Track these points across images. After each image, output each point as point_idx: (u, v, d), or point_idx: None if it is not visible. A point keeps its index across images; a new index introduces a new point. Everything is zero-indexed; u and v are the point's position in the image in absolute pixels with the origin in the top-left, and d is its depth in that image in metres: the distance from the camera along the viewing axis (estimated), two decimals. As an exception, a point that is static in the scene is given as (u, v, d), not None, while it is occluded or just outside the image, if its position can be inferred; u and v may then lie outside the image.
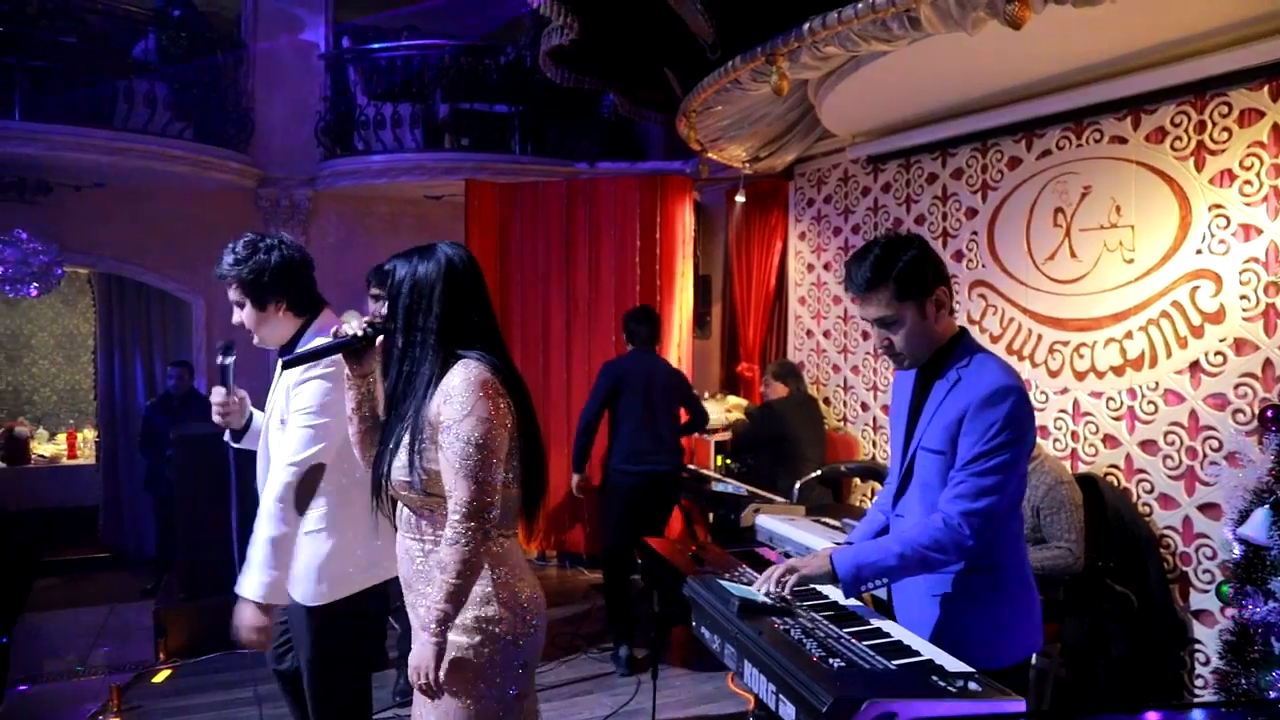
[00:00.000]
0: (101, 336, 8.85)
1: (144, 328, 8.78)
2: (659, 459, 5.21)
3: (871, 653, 2.06)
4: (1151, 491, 4.14)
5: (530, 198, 7.19)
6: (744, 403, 6.94)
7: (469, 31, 8.37)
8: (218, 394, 2.96)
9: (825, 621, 2.27)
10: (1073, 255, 4.51)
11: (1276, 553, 3.32)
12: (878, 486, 5.86)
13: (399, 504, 2.30)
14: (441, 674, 2.10)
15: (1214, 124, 3.88)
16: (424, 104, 8.08)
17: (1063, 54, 4.07)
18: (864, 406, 6.15)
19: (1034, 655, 2.46)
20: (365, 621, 2.99)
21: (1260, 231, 3.71)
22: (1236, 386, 3.78)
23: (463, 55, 8.07)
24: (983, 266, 5.07)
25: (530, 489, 2.32)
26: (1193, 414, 3.96)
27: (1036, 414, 4.41)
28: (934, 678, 1.92)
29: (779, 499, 5.14)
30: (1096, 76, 4.24)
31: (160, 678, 5.03)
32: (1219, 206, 3.84)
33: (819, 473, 5.34)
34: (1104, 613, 3.94)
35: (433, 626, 2.08)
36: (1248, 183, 3.74)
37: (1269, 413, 3.50)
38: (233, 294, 2.85)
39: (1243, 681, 3.33)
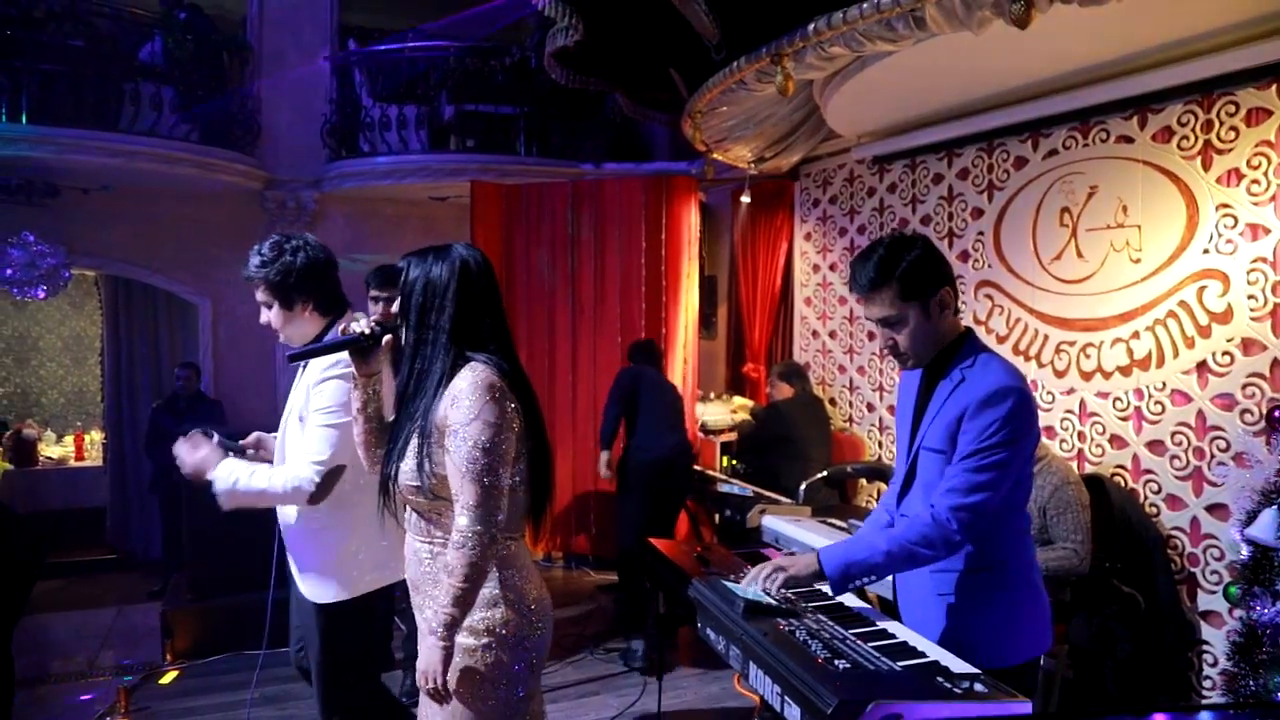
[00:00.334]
0: (108, 339, 8.86)
1: (151, 330, 8.79)
2: (675, 441, 5.69)
3: (877, 654, 2.06)
4: (1159, 492, 4.13)
5: (535, 199, 7.20)
6: (750, 403, 6.94)
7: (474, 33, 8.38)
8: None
9: (830, 623, 2.27)
10: (1079, 255, 4.50)
11: (1285, 553, 3.31)
12: (884, 487, 5.83)
13: (407, 506, 2.30)
14: (449, 678, 2.11)
15: (1221, 123, 3.86)
16: (429, 105, 8.09)
17: (1069, 53, 4.06)
18: (870, 407, 6.13)
19: (1041, 656, 2.45)
20: (373, 622, 3.00)
21: (1268, 231, 3.69)
22: (1244, 386, 3.77)
23: (468, 57, 8.08)
24: (989, 267, 5.06)
25: (537, 492, 2.31)
26: (1200, 414, 3.95)
27: (1042, 414, 4.41)
28: (940, 679, 1.91)
29: (785, 500, 5.14)
30: (1102, 76, 4.23)
31: (167, 679, 5.05)
32: (1226, 206, 3.83)
33: (825, 473, 5.33)
34: (1111, 614, 3.93)
35: (440, 631, 2.07)
36: (1255, 182, 3.73)
37: (1277, 413, 3.49)
38: (260, 295, 2.91)
39: (1251, 683, 3.31)
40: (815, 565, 2.29)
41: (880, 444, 6.03)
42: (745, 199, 6.91)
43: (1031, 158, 4.78)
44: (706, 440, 6.70)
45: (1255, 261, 3.72)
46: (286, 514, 2.95)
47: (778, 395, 6.00)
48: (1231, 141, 3.82)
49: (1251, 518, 3.40)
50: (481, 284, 2.25)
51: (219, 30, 7.81)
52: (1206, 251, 3.90)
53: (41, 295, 7.38)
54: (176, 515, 6.64)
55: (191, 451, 2.82)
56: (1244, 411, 3.76)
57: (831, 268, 6.50)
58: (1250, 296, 3.74)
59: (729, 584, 2.47)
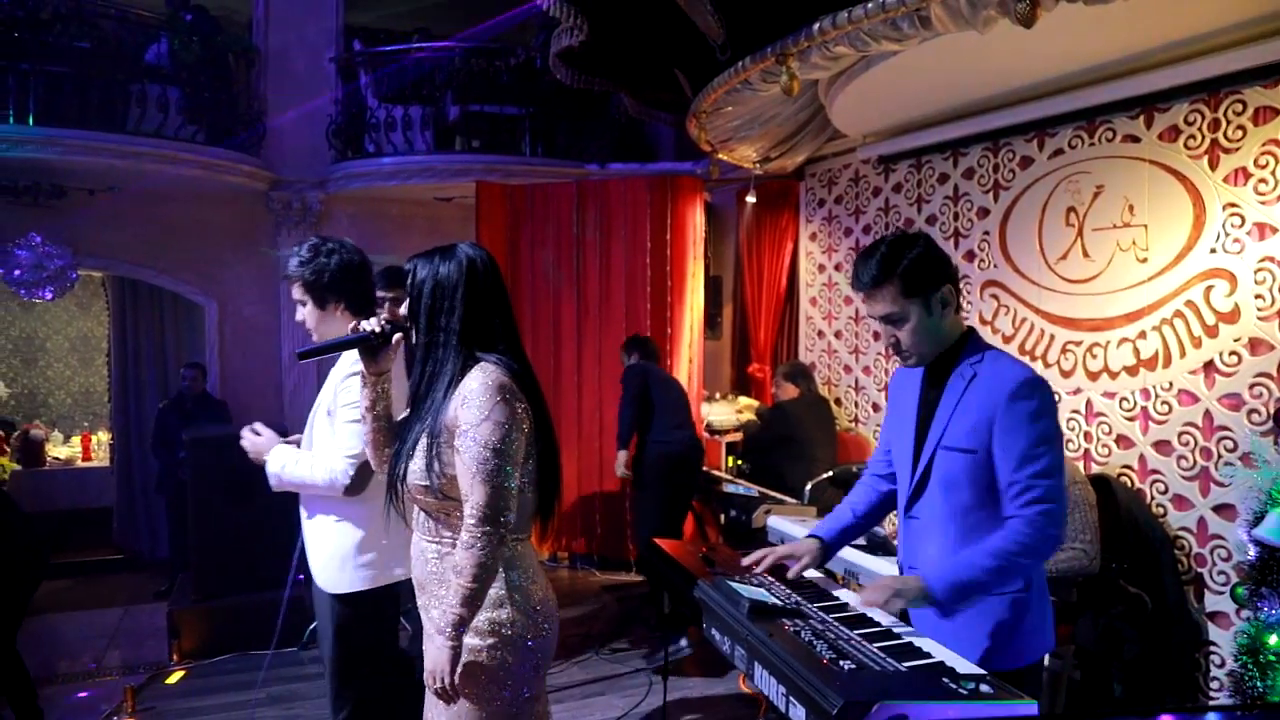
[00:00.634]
0: (115, 339, 8.89)
1: (157, 330, 8.82)
2: (687, 436, 5.76)
3: (882, 654, 2.05)
4: (1165, 492, 4.12)
5: (541, 199, 7.20)
6: (755, 404, 6.94)
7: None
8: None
9: (836, 623, 2.26)
10: (1085, 255, 4.49)
11: (1292, 554, 3.30)
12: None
13: (414, 506, 2.30)
14: (457, 678, 2.11)
15: (1228, 122, 3.85)
16: (434, 106, 8.10)
17: (1074, 52, 4.05)
18: (875, 407, 6.13)
19: (1046, 656, 2.45)
20: (386, 616, 3.04)
21: (1275, 230, 3.68)
22: (1251, 386, 3.75)
23: (473, 57, 8.09)
24: (995, 266, 5.05)
25: (545, 493, 2.31)
26: (1207, 414, 3.94)
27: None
28: (945, 680, 1.91)
29: (790, 500, 5.13)
30: (1108, 75, 4.22)
31: (174, 679, 5.06)
32: (1234, 205, 3.82)
33: (830, 474, 5.32)
34: (1118, 614, 3.92)
35: (449, 631, 2.07)
36: (1263, 181, 3.72)
37: (1284, 413, 3.48)
38: (296, 293, 3.04)
39: (1258, 684, 3.30)
40: (924, 590, 2.24)
41: (886, 444, 6.02)
42: (750, 199, 6.91)
43: (1037, 157, 4.77)
44: (712, 440, 6.70)
45: (1263, 261, 3.71)
46: (306, 507, 3.04)
47: (783, 395, 6.00)
48: (1239, 140, 3.81)
49: (1259, 518, 3.39)
50: (489, 283, 2.25)
51: (224, 31, 7.83)
52: (1214, 251, 3.89)
53: (49, 296, 7.40)
54: (183, 515, 6.65)
55: (253, 438, 3.04)
56: (1251, 411, 3.75)
57: (837, 268, 6.50)
58: (1258, 296, 3.73)
59: (734, 584, 2.46)
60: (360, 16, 9.25)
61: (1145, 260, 4.18)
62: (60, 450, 10.04)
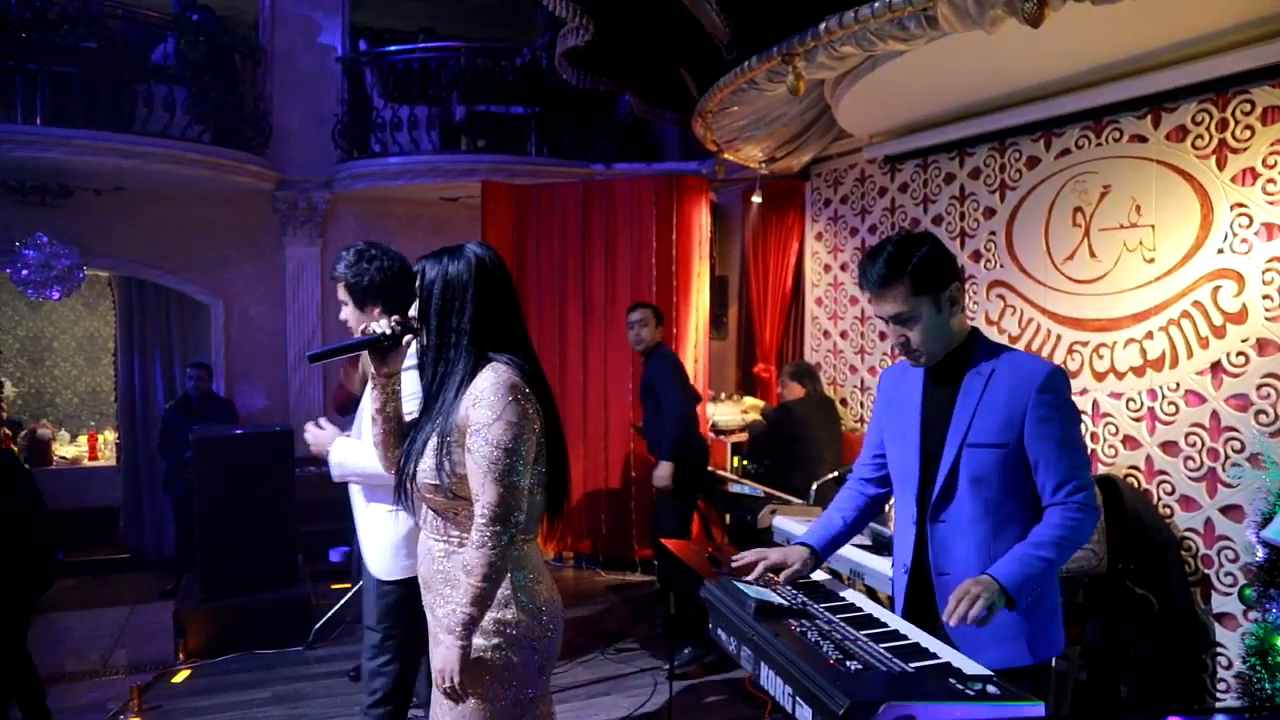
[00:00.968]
0: (122, 339, 8.91)
1: (163, 330, 8.84)
2: (701, 438, 5.75)
3: (888, 655, 2.05)
4: (1172, 493, 4.11)
5: (546, 199, 7.20)
6: (761, 404, 6.93)
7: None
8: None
9: (842, 624, 2.26)
10: (1092, 255, 4.47)
11: (1300, 555, 3.28)
12: (895, 488, 5.83)
13: (422, 505, 2.30)
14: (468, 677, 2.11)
15: (1236, 122, 3.83)
16: (440, 106, 8.12)
17: (1081, 52, 4.04)
18: (881, 407, 6.11)
19: (1054, 659, 2.44)
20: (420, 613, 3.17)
21: (1283, 230, 3.67)
22: (1259, 387, 3.74)
23: (479, 57, 8.10)
24: (1001, 267, 5.04)
25: (554, 493, 2.31)
26: (1214, 415, 3.92)
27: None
28: (952, 680, 1.90)
29: (796, 500, 5.12)
30: (1115, 75, 4.21)
31: (180, 678, 5.07)
32: (1241, 205, 3.80)
33: (836, 474, 5.31)
34: (1124, 616, 3.91)
35: (459, 630, 2.07)
36: (1271, 181, 3.70)
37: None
38: (340, 293, 3.31)
39: (1266, 686, 3.29)
40: (998, 589, 2.17)
41: (892, 444, 6.00)
42: (756, 199, 6.90)
43: (1044, 157, 4.76)
44: (717, 441, 6.69)
45: (1271, 261, 3.69)
46: (358, 498, 3.19)
47: (789, 395, 5.99)
48: (1246, 140, 3.79)
49: (1266, 519, 3.38)
50: (499, 282, 2.26)
51: (231, 32, 7.85)
52: (1221, 251, 3.88)
53: (56, 296, 7.42)
54: (189, 515, 6.66)
55: (316, 431, 3.22)
56: (1259, 412, 3.73)
57: (843, 268, 6.49)
58: (1266, 296, 3.71)
59: (740, 585, 2.46)
60: (366, 16, 9.27)
61: (1152, 260, 4.17)
62: (67, 450, 10.07)
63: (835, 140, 6.19)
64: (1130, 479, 4.27)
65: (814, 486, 5.19)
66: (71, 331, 10.75)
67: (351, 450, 3.09)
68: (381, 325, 2.27)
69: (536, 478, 2.23)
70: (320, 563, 7.16)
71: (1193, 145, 4.00)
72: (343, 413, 5.00)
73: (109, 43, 7.00)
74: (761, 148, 5.94)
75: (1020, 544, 2.26)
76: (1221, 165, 3.88)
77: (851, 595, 2.55)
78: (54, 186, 7.48)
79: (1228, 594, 3.86)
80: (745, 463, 6.58)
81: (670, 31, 4.85)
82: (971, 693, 1.84)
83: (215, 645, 5.32)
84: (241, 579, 5.50)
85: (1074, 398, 2.36)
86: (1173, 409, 4.10)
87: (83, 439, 10.18)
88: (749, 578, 2.61)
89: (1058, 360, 4.66)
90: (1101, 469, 4.39)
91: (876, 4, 3.35)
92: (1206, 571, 3.95)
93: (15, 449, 8.53)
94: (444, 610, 2.21)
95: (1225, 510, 3.88)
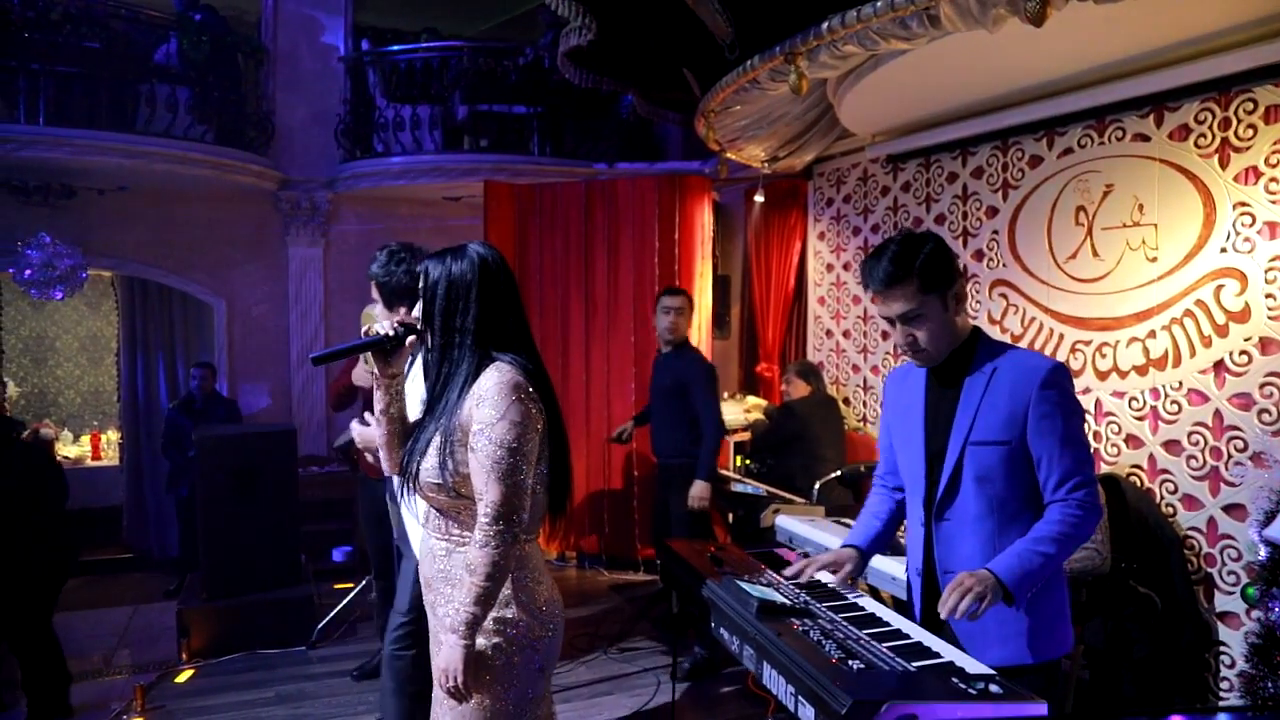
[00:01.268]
0: (125, 339, 8.93)
1: (166, 330, 8.85)
2: None
3: (891, 654, 2.05)
4: (1175, 492, 4.10)
5: (549, 198, 7.21)
6: (763, 403, 6.93)
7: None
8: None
9: (844, 623, 2.26)
10: (1095, 254, 4.47)
11: (1303, 554, 3.28)
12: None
13: (425, 504, 2.30)
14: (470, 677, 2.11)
15: (1239, 121, 3.83)
16: (443, 106, 8.12)
17: (1084, 51, 4.04)
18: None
19: (1062, 658, 2.43)
20: None
21: (1286, 229, 3.67)
22: (1262, 386, 3.73)
23: (481, 57, 8.11)
24: (1003, 266, 5.04)
25: (557, 493, 2.32)
26: (1217, 414, 3.92)
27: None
28: (954, 680, 1.91)
29: (799, 499, 5.12)
30: (1118, 74, 4.20)
31: (183, 678, 5.07)
32: (1244, 204, 3.80)
33: (839, 473, 5.31)
34: (1127, 615, 3.91)
35: (462, 630, 2.07)
36: (1273, 180, 3.70)
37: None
38: (373, 292, 3.52)
39: (1269, 685, 3.29)
40: (995, 582, 2.16)
41: (894, 444, 6.00)
42: (759, 198, 6.90)
43: (1047, 156, 4.75)
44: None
45: (1274, 260, 3.69)
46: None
47: (794, 392, 5.99)
48: (1250, 139, 3.79)
49: (1269, 518, 3.37)
50: (502, 282, 2.26)
51: (234, 31, 7.86)
52: (1224, 250, 3.87)
53: (59, 296, 7.44)
54: (192, 515, 6.68)
55: (362, 429, 3.28)
56: (1262, 411, 3.73)
57: (845, 267, 6.49)
58: (1268, 295, 3.71)
59: (742, 584, 2.46)
60: (368, 16, 9.27)
61: (1155, 259, 4.17)
62: (70, 449, 10.09)
63: (838, 139, 6.19)
64: (1133, 478, 4.27)
65: (817, 486, 5.20)
66: (74, 331, 10.77)
67: None
68: (384, 326, 2.28)
69: (538, 477, 2.23)
70: (323, 562, 7.18)
71: (1195, 144, 4.00)
72: (339, 408, 5.00)
73: (112, 43, 7.01)
74: (764, 147, 5.93)
75: (1020, 540, 2.26)
76: (1224, 164, 3.88)
77: (854, 595, 2.55)
78: (57, 186, 7.49)
79: (1230, 593, 3.85)
80: (748, 462, 6.58)
81: (673, 31, 4.85)
82: (974, 692, 1.84)
83: (218, 645, 5.33)
84: (245, 579, 5.51)
85: (1078, 396, 2.36)
86: (1175, 408, 4.10)
87: (86, 439, 10.20)
88: (804, 578, 2.61)
89: (1061, 359, 4.65)
90: (1104, 468, 4.39)
91: (879, 3, 3.35)
92: (1209, 570, 3.95)
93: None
94: (446, 610, 2.21)
95: (1228, 509, 3.87)
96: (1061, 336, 4.66)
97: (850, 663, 1.97)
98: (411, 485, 2.24)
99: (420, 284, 2.26)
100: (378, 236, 8.60)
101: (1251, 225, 3.77)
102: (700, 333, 6.89)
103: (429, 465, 2.18)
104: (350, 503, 6.82)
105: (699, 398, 5.05)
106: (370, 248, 8.55)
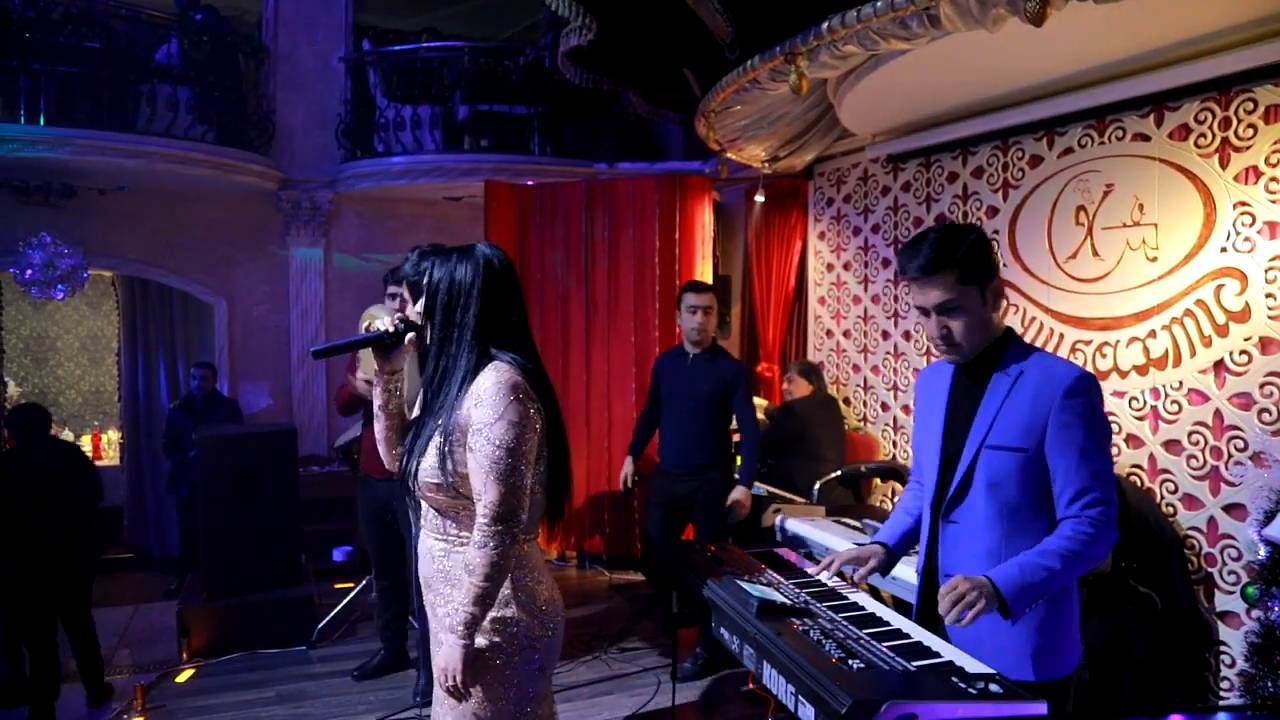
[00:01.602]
0: (125, 339, 8.93)
1: (167, 330, 8.86)
2: None
3: (891, 654, 2.05)
4: (1175, 492, 4.10)
5: (549, 198, 7.21)
6: (764, 403, 6.92)
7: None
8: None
9: (844, 622, 2.26)
10: (1095, 254, 4.47)
11: (1303, 554, 3.28)
12: (898, 487, 5.83)
13: (424, 503, 2.30)
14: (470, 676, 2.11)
15: (1239, 120, 3.83)
16: (443, 105, 8.13)
17: (1084, 51, 4.04)
18: (884, 406, 6.12)
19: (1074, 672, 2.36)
20: None
21: (1286, 229, 3.67)
22: (1262, 386, 3.74)
23: (482, 57, 8.11)
24: (1004, 266, 5.03)
25: (555, 494, 2.32)
26: (1217, 414, 3.92)
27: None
28: (954, 679, 1.91)
29: (799, 499, 5.12)
30: (1119, 73, 4.20)
31: (183, 677, 5.08)
32: (1244, 204, 3.80)
33: (839, 473, 5.31)
34: (1127, 614, 3.91)
35: (460, 629, 2.08)
36: (1274, 179, 3.70)
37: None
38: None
39: (1269, 684, 3.29)
40: (991, 591, 2.09)
41: (894, 443, 6.01)
42: (759, 198, 6.90)
43: (1047, 156, 4.76)
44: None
45: (1274, 260, 3.69)
46: None
47: (795, 392, 5.99)
48: (1250, 139, 3.79)
49: (1269, 518, 3.38)
50: (506, 282, 2.27)
51: (234, 31, 7.86)
52: (1224, 250, 3.87)
53: (60, 295, 7.44)
54: (193, 515, 6.68)
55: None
56: (1262, 411, 3.73)
57: (845, 267, 6.49)
58: (1269, 295, 3.71)
59: (743, 583, 2.46)
60: (369, 16, 9.27)
61: (1155, 259, 4.17)
62: (71, 449, 10.08)
63: (838, 139, 6.19)
64: (1133, 478, 4.27)
65: (817, 485, 5.19)
66: (75, 331, 10.77)
67: None
68: (385, 322, 2.29)
69: (537, 477, 2.23)
70: (324, 562, 7.19)
71: (1196, 144, 4.00)
72: (345, 414, 5.01)
73: (113, 43, 7.02)
74: (764, 147, 5.94)
75: (1027, 551, 2.17)
76: (1224, 164, 3.88)
77: (854, 594, 2.55)
78: (58, 186, 7.49)
79: (1230, 592, 3.86)
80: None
81: (673, 31, 4.85)
82: (974, 691, 1.84)
83: (219, 645, 5.33)
84: (245, 579, 5.52)
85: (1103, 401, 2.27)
86: (1175, 408, 4.10)
87: (86, 439, 10.20)
88: (830, 572, 2.61)
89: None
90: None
91: (879, 3, 3.35)
92: (1209, 570, 3.95)
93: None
94: (445, 610, 2.21)
95: (1228, 509, 3.87)
96: (1062, 336, 4.66)
97: (850, 662, 1.97)
98: (411, 485, 2.25)
99: (425, 280, 2.27)
100: (378, 237, 8.64)
101: (1252, 225, 3.77)
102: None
103: (428, 465, 2.18)
104: (350, 503, 6.82)
105: (744, 402, 4.86)
106: (371, 248, 8.65)
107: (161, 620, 6.03)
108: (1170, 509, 4.11)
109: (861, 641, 2.12)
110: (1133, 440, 4.31)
